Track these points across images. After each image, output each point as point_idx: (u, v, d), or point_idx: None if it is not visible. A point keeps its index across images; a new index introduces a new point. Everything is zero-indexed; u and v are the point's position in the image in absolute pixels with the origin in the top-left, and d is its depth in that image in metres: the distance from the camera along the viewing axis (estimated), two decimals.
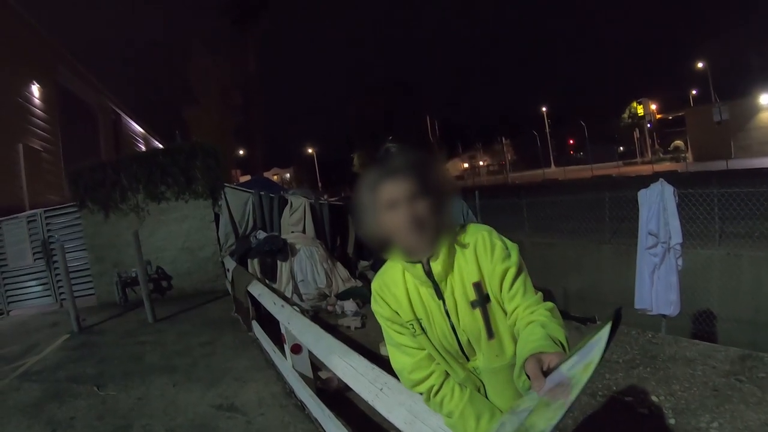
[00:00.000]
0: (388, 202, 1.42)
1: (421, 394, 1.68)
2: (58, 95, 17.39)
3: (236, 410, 4.36)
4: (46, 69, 16.63)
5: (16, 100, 14.45)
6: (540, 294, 1.50)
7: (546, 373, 1.05)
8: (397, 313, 1.60)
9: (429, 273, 1.51)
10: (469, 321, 1.51)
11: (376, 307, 1.66)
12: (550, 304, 1.45)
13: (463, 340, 1.55)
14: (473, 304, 1.50)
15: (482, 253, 1.50)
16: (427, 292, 1.56)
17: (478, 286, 1.50)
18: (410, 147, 1.53)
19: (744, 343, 5.39)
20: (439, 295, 1.54)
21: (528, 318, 1.39)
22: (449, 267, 1.51)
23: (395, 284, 1.60)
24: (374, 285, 1.67)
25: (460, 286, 1.51)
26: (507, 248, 1.51)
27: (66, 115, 17.80)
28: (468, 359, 1.61)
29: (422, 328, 1.58)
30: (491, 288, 1.50)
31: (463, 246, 1.52)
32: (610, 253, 9.24)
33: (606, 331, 0.94)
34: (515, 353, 1.42)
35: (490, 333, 1.51)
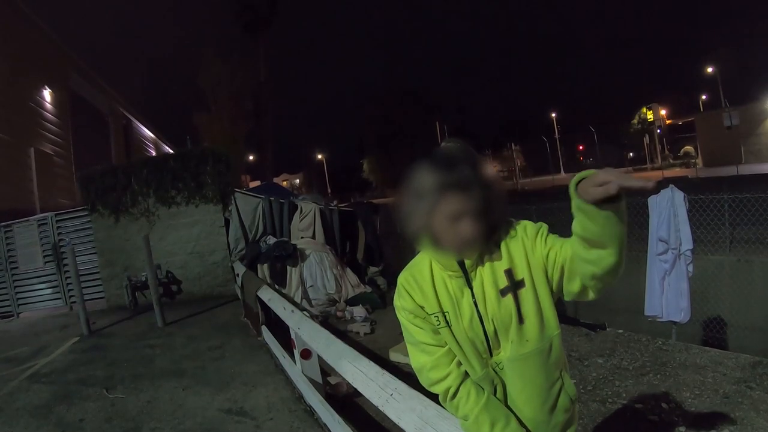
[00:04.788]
0: (453, 213, 1.40)
1: (437, 394, 1.68)
2: (69, 100, 17.51)
3: (245, 414, 4.37)
4: (58, 74, 16.77)
5: (28, 104, 14.57)
6: None
7: None
8: (421, 307, 1.61)
9: (461, 263, 1.54)
10: (498, 309, 1.53)
11: (400, 301, 1.65)
12: None
13: (490, 330, 1.55)
14: (504, 291, 1.52)
15: (511, 240, 1.55)
16: (455, 283, 1.57)
17: (509, 273, 1.53)
18: (470, 148, 1.54)
19: (755, 350, 5.36)
20: (468, 284, 1.56)
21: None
22: (480, 258, 1.54)
23: (422, 277, 1.61)
24: (401, 278, 1.67)
25: (489, 275, 1.54)
26: (533, 223, 1.59)
27: (77, 119, 17.91)
28: (491, 354, 1.60)
29: (447, 321, 1.58)
30: (533, 261, 1.54)
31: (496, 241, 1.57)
32: None
33: None
34: (543, 337, 1.55)
35: (521, 318, 1.53)
